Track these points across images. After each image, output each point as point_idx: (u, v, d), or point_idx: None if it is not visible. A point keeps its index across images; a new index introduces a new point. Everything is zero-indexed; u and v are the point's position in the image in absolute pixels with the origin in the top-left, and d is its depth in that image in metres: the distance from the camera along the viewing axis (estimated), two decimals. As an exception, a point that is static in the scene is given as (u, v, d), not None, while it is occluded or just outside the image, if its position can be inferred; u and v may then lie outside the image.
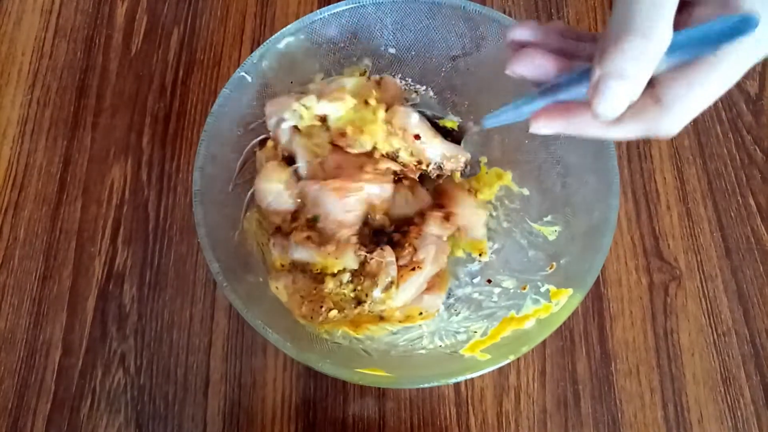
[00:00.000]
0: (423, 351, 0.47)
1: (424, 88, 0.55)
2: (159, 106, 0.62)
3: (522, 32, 0.36)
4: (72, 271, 0.56)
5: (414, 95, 0.53)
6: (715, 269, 0.56)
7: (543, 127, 0.34)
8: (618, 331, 0.54)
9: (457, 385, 0.52)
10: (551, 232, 0.49)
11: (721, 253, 0.57)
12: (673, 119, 0.31)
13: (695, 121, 0.61)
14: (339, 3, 0.48)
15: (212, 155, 0.45)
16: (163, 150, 0.60)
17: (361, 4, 0.48)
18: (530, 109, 0.36)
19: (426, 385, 0.44)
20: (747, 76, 0.63)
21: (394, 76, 0.54)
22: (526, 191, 0.52)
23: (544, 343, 0.53)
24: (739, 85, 0.63)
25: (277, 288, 0.46)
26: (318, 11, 0.48)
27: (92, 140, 0.61)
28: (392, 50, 0.52)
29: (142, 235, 0.57)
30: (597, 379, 0.53)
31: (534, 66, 0.35)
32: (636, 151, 0.60)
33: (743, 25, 0.28)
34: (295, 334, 0.44)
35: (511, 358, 0.41)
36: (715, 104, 0.62)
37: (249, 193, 0.51)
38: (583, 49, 0.35)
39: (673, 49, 0.29)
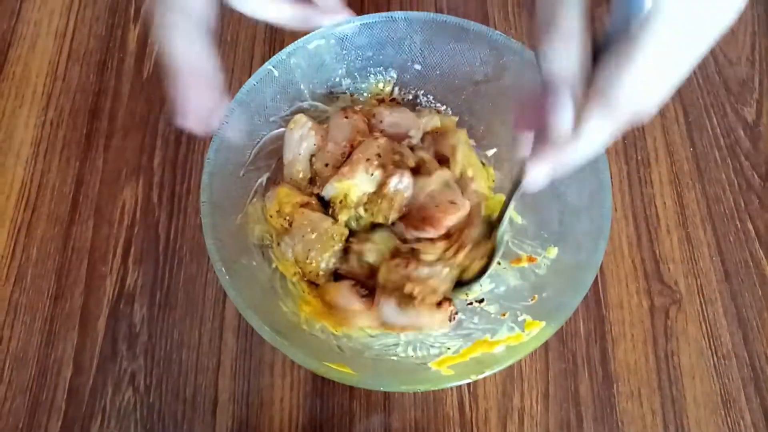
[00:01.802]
0: (394, 358, 0.48)
1: (444, 107, 0.56)
2: (170, 128, 0.63)
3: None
4: (83, 291, 0.57)
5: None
6: (715, 293, 0.57)
7: (535, 185, 0.35)
8: (620, 354, 0.55)
9: (461, 406, 0.53)
10: (541, 266, 0.50)
11: (721, 277, 0.58)
12: (627, 105, 0.30)
13: (694, 147, 0.63)
14: (372, 14, 0.49)
15: (228, 140, 0.46)
16: (174, 172, 0.61)
17: (393, 18, 0.49)
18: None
19: (385, 389, 0.48)
20: (744, 102, 0.65)
21: (416, 91, 0.56)
22: (524, 222, 0.53)
23: (547, 365, 0.54)
24: (737, 112, 0.65)
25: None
26: (350, 18, 0.49)
27: (104, 161, 0.62)
28: (418, 66, 0.53)
29: (152, 255, 0.58)
30: (599, 401, 0.54)
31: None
32: (636, 176, 0.62)
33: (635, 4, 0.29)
34: (275, 320, 0.45)
35: (473, 378, 0.42)
36: (714, 130, 0.63)
37: (258, 181, 0.52)
38: None
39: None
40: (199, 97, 0.41)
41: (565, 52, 0.30)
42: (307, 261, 0.49)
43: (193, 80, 0.41)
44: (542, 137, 0.34)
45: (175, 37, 0.40)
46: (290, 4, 0.46)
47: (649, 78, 0.29)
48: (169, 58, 0.40)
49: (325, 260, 0.49)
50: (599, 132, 0.31)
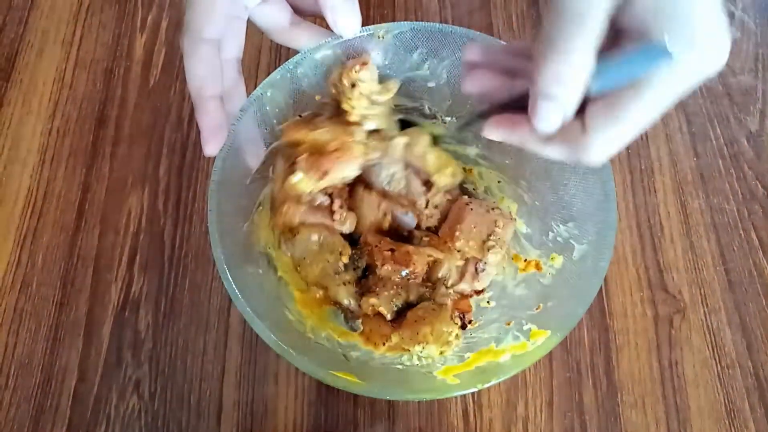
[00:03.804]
0: (400, 366, 0.48)
1: (450, 118, 0.56)
2: (176, 136, 0.63)
3: (473, 54, 0.40)
4: (89, 298, 0.57)
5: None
6: (719, 302, 0.58)
7: (492, 132, 0.37)
8: (624, 363, 0.55)
9: (465, 415, 0.53)
10: (546, 276, 0.50)
11: (725, 286, 0.58)
12: (595, 149, 0.33)
13: (697, 156, 0.63)
14: (378, 25, 0.49)
15: (236, 148, 0.46)
16: (180, 180, 0.61)
17: (400, 28, 0.49)
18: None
19: (391, 398, 0.49)
20: (747, 112, 0.65)
21: (421, 100, 0.55)
22: (529, 230, 0.53)
23: (551, 374, 0.55)
24: (740, 122, 0.65)
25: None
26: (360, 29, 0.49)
27: (110, 169, 0.62)
28: (424, 76, 0.53)
29: (158, 263, 0.58)
30: (603, 410, 0.54)
31: (482, 85, 0.40)
32: (641, 185, 0.62)
33: (657, 56, 0.30)
34: (281, 328, 0.45)
35: (478, 387, 0.42)
36: (717, 140, 0.64)
37: (264, 189, 0.52)
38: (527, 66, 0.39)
39: (600, 76, 0.31)
40: (209, 120, 0.43)
41: (572, 86, 0.31)
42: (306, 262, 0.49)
43: (203, 103, 0.43)
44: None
45: (195, 63, 0.42)
46: (315, 29, 0.48)
47: (631, 131, 0.32)
48: (188, 82, 0.42)
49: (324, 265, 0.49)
50: (555, 149, 0.35)
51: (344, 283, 0.50)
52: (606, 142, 0.33)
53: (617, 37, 0.31)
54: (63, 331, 0.56)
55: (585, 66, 0.30)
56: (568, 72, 0.30)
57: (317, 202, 0.50)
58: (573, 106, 0.32)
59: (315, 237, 0.49)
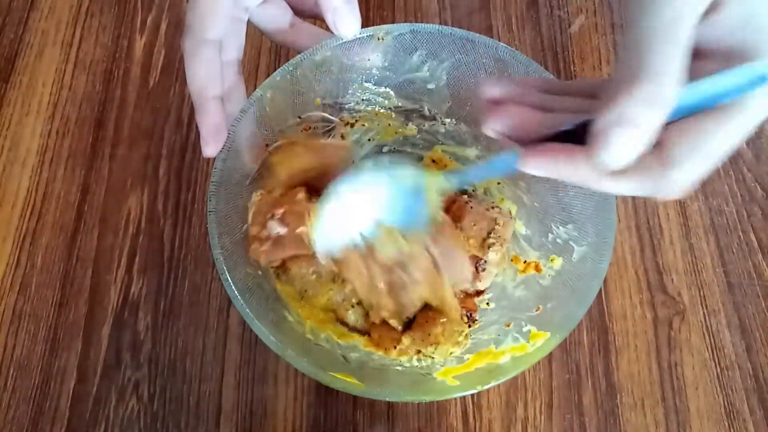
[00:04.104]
0: (399, 368, 0.48)
1: (449, 120, 0.56)
2: (175, 138, 0.63)
3: (496, 89, 0.36)
4: (88, 299, 0.57)
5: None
6: (718, 304, 0.58)
7: (532, 166, 0.32)
8: (623, 365, 0.55)
9: (465, 416, 0.53)
10: (545, 277, 0.50)
11: (724, 288, 0.58)
12: (679, 182, 0.29)
13: (697, 159, 0.63)
14: (379, 26, 0.49)
15: (236, 149, 0.46)
16: (179, 181, 0.61)
17: (400, 30, 0.49)
18: (504, 165, 0.36)
19: (390, 399, 0.48)
20: (747, 115, 0.65)
21: (422, 105, 0.55)
22: (528, 231, 0.53)
23: (550, 375, 0.55)
24: (740, 124, 0.65)
25: None
26: (359, 30, 0.49)
27: (109, 171, 0.62)
28: (423, 78, 0.53)
29: (157, 264, 0.58)
30: (603, 412, 0.54)
31: (511, 121, 0.34)
32: (640, 187, 0.62)
33: (756, 79, 0.27)
34: (280, 329, 0.45)
35: (478, 388, 0.42)
36: (717, 142, 0.64)
37: None
38: (560, 103, 0.35)
39: (681, 101, 0.27)
40: (209, 121, 0.43)
41: (661, 110, 0.27)
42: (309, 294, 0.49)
43: (204, 104, 0.43)
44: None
45: (196, 64, 0.42)
46: (315, 31, 0.48)
47: (717, 155, 0.29)
48: (189, 83, 0.43)
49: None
50: (627, 183, 0.31)
51: (352, 306, 0.50)
52: (691, 173, 0.29)
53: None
54: (62, 333, 0.56)
55: (676, 87, 0.27)
56: (657, 94, 0.26)
57: (273, 234, 0.46)
58: (654, 135, 0.28)
59: (307, 269, 0.49)
